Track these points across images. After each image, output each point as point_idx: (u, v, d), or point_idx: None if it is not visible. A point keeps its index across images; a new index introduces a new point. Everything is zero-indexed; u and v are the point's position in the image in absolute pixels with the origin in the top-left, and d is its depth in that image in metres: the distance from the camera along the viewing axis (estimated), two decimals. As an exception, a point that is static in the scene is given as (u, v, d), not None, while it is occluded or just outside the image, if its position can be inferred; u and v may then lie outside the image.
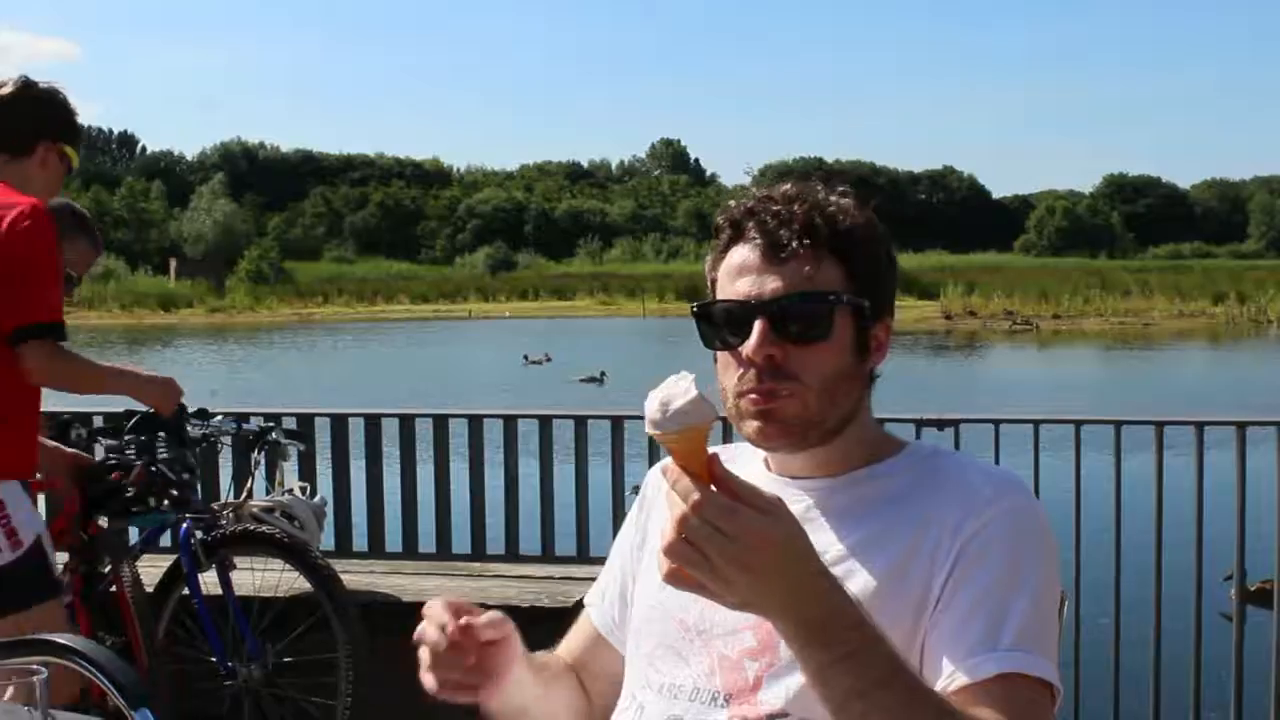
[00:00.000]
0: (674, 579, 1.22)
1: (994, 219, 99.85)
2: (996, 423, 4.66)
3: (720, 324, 1.48)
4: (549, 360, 29.60)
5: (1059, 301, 50.16)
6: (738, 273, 1.48)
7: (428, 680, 1.46)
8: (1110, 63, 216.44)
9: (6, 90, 3.24)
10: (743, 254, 1.48)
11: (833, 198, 1.49)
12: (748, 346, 1.44)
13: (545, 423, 5.27)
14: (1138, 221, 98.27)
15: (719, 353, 1.49)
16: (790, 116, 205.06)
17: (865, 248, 1.48)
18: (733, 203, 1.52)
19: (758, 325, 1.43)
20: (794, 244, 1.44)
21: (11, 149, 3.23)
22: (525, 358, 29.18)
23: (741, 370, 1.46)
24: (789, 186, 1.50)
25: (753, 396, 1.45)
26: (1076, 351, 35.04)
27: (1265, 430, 4.49)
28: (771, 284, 1.44)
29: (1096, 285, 53.33)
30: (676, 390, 1.23)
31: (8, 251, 3.01)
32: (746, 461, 1.61)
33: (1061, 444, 4.66)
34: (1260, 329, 42.68)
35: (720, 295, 1.49)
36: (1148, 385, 23.27)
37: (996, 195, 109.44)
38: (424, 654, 1.46)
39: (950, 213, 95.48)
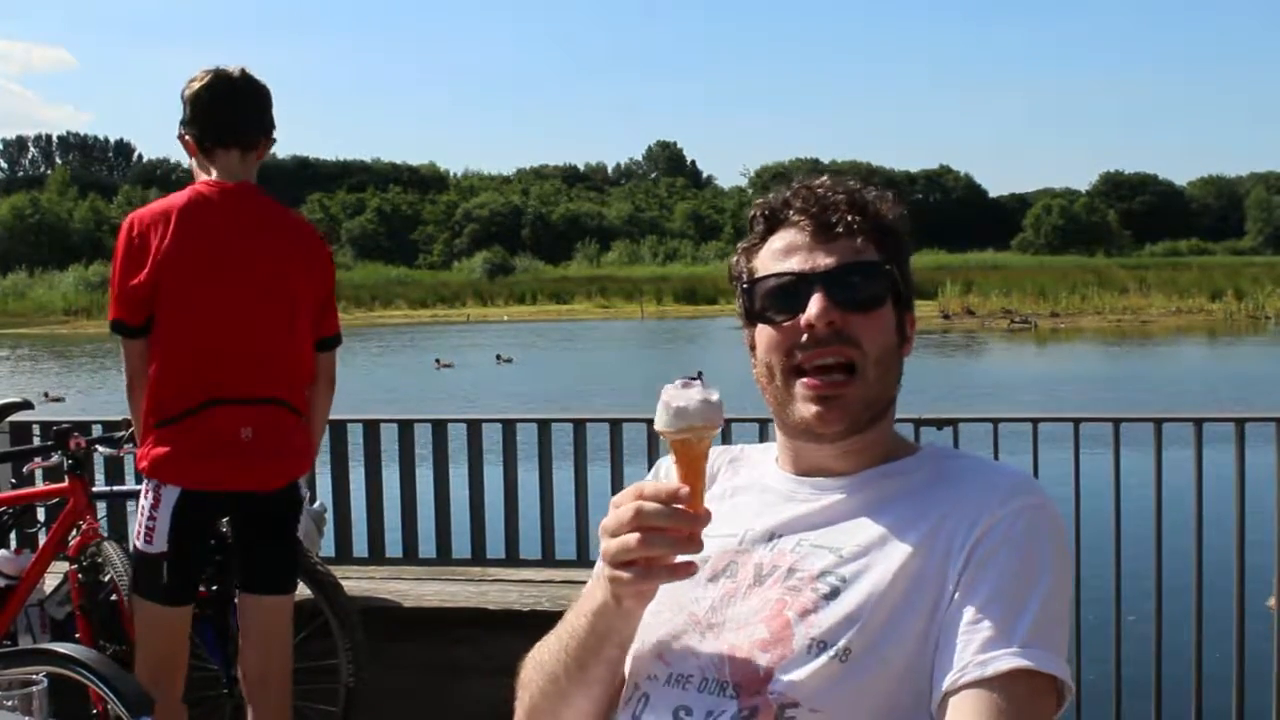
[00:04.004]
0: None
1: (991, 218, 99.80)
2: (995, 421, 4.67)
3: (771, 300, 1.51)
4: (514, 360, 29.76)
5: (1057, 300, 50.18)
6: (785, 254, 1.52)
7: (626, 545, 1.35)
8: (1106, 61, 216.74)
9: None
10: (788, 237, 1.53)
11: (870, 191, 1.55)
12: (810, 314, 1.47)
13: (544, 426, 5.27)
14: (1134, 219, 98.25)
15: (765, 329, 1.52)
16: (787, 118, 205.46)
17: (898, 239, 1.54)
18: (770, 195, 1.56)
19: (817, 295, 1.47)
20: (841, 224, 1.50)
21: None
22: (437, 361, 29.37)
23: (792, 343, 1.49)
24: (826, 178, 1.56)
25: (810, 382, 1.48)
26: (1075, 349, 35.04)
27: (1264, 426, 4.49)
28: (824, 259, 1.49)
29: (1094, 283, 53.31)
30: (689, 393, 1.34)
31: None
32: (756, 462, 1.62)
33: (1060, 442, 4.66)
34: (1258, 325, 42.70)
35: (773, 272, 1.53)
36: (1146, 382, 23.28)
37: (993, 194, 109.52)
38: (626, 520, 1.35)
39: (947, 212, 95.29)
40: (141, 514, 3.47)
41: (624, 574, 1.35)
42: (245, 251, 3.47)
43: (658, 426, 1.38)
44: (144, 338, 3.43)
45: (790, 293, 1.49)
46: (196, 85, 3.48)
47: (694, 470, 1.37)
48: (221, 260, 3.43)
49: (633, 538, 1.34)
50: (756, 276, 1.53)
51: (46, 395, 20.62)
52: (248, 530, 3.59)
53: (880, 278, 1.50)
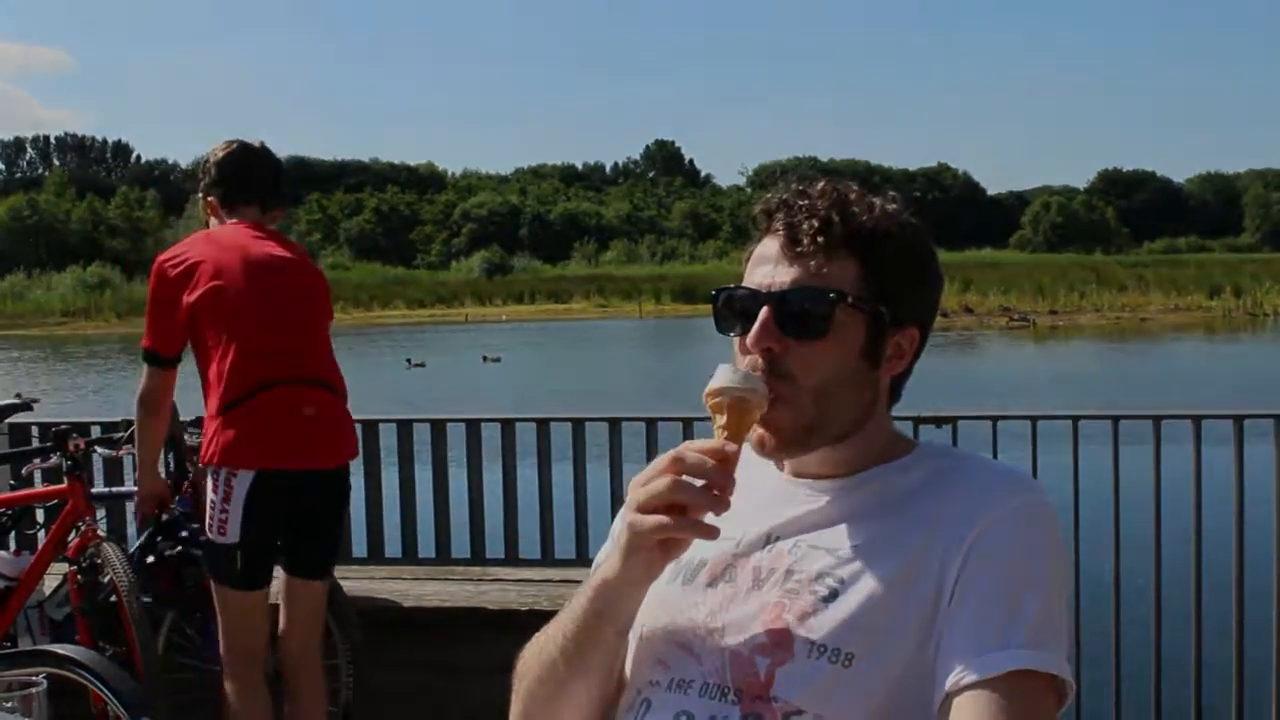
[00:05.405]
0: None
1: (989, 216, 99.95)
2: (995, 419, 4.67)
3: (734, 311, 1.49)
4: (501, 361, 29.78)
5: (1055, 297, 50.29)
6: (757, 262, 1.49)
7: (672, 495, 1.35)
8: (1104, 58, 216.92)
9: None
10: (766, 245, 1.50)
11: (867, 199, 1.49)
12: (749, 336, 1.45)
13: (543, 426, 5.27)
14: (1133, 216, 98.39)
15: (734, 339, 1.50)
16: (785, 117, 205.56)
17: (887, 252, 1.47)
18: (770, 195, 1.53)
19: (761, 315, 1.45)
20: (809, 239, 1.45)
21: None
22: (408, 360, 29.31)
23: (744, 356, 1.48)
24: (824, 183, 1.50)
25: None
26: (1073, 347, 35.08)
27: (1263, 423, 4.49)
28: (782, 276, 1.46)
29: (1092, 280, 53.42)
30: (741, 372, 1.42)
31: None
32: (752, 462, 1.60)
33: (1059, 439, 4.66)
34: (1256, 322, 42.75)
35: (743, 283, 1.50)
36: (1145, 379, 23.30)
37: (991, 192, 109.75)
38: (670, 479, 1.35)
39: (945, 210, 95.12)
40: (212, 507, 3.61)
41: (646, 519, 1.35)
42: (281, 264, 3.76)
43: (716, 384, 1.39)
44: (173, 369, 3.75)
45: (745, 307, 1.47)
46: (222, 153, 3.86)
47: (738, 438, 1.38)
48: (262, 272, 3.69)
49: (665, 480, 1.34)
50: (725, 285, 1.51)
51: (19, 396, 20.60)
52: (307, 514, 3.72)
53: (825, 304, 1.44)
